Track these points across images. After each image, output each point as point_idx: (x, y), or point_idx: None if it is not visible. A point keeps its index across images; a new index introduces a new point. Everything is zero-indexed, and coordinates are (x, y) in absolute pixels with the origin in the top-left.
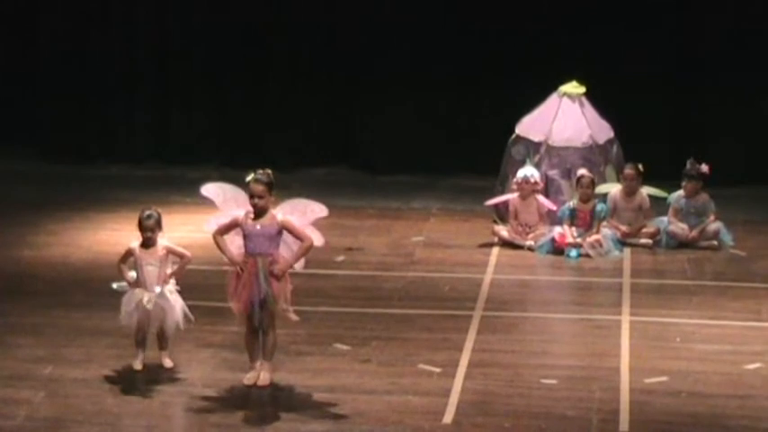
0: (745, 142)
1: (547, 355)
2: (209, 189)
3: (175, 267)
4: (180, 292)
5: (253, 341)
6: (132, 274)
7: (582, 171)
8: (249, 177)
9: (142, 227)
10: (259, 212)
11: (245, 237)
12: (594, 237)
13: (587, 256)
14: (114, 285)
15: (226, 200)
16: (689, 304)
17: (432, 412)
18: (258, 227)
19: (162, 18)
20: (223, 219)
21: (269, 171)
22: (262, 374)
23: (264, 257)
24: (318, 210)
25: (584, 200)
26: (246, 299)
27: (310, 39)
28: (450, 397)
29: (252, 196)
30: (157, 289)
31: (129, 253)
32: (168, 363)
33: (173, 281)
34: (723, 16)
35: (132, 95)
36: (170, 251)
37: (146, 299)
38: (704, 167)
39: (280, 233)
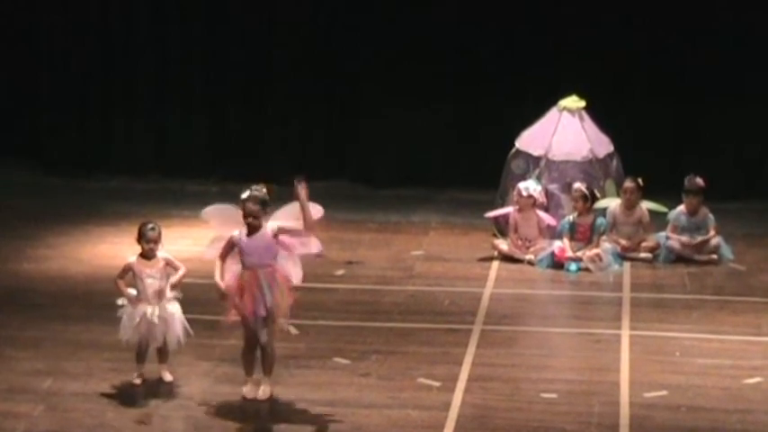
0: (745, 156)
1: (546, 369)
2: (210, 213)
3: (172, 280)
4: (179, 302)
5: (250, 355)
6: (132, 291)
7: (575, 185)
8: (245, 195)
9: (145, 238)
10: (253, 230)
11: (243, 252)
12: (594, 251)
13: (587, 270)
14: (120, 302)
15: (224, 222)
16: (688, 318)
17: (431, 426)
18: (254, 240)
19: (161, 32)
20: (218, 243)
21: (263, 188)
22: (262, 388)
23: (265, 269)
24: (313, 211)
25: (579, 213)
26: (252, 310)
27: (310, 52)
28: (450, 411)
29: (246, 215)
30: (162, 302)
31: (128, 268)
32: (168, 376)
33: (172, 294)
34: (721, 31)
35: (131, 108)
36: (168, 263)
37: (149, 312)
38: (700, 181)
39: (276, 238)
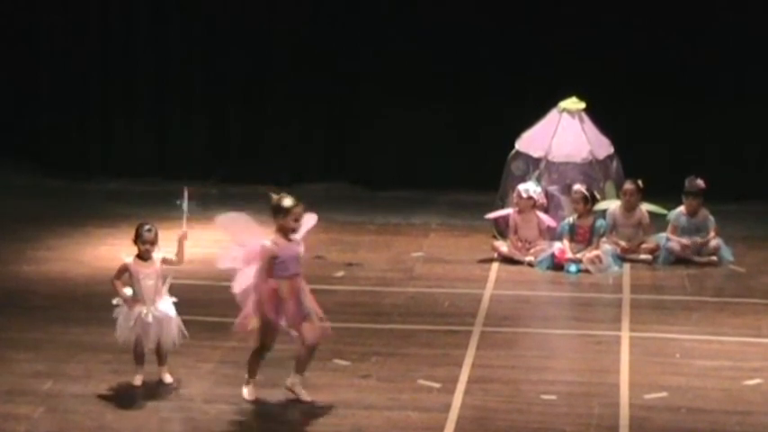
0: (745, 157)
1: (546, 370)
2: (225, 222)
3: (169, 281)
4: (177, 305)
5: (259, 358)
6: (128, 291)
7: (575, 186)
8: (290, 202)
9: (142, 239)
10: (288, 237)
11: (282, 262)
12: (594, 253)
13: (587, 271)
14: (115, 302)
15: (239, 231)
16: (688, 320)
17: (431, 428)
18: (289, 248)
19: (161, 33)
20: (235, 254)
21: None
22: (300, 389)
23: (299, 276)
24: (309, 219)
25: (578, 215)
26: (298, 321)
27: (310, 52)
28: (450, 413)
29: (297, 220)
30: (158, 303)
31: (124, 269)
32: (168, 378)
33: (169, 296)
34: (721, 31)
35: (131, 110)
36: (165, 261)
37: (144, 312)
38: (701, 182)
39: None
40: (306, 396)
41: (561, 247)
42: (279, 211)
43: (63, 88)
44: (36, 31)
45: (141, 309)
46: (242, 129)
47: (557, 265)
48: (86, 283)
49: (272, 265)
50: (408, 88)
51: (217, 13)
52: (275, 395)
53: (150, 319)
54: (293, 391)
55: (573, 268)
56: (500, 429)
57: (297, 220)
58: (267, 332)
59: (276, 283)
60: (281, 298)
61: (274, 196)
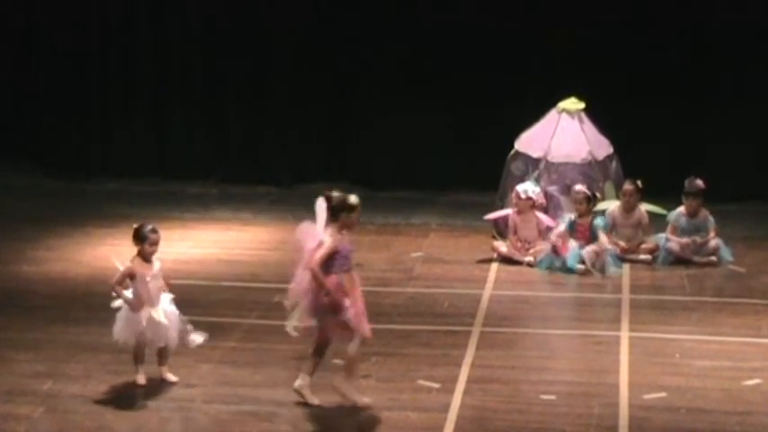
0: (745, 158)
1: (546, 370)
2: (301, 232)
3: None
4: (175, 304)
5: (319, 358)
6: (129, 295)
7: (576, 186)
8: (356, 200)
9: (149, 241)
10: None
11: (344, 257)
12: (593, 247)
13: (587, 272)
14: (116, 304)
15: (306, 239)
16: (688, 320)
17: (431, 428)
18: (349, 245)
19: (161, 35)
20: (306, 252)
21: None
22: (308, 392)
23: (353, 270)
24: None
25: (579, 214)
26: (363, 314)
27: (310, 52)
28: (450, 413)
29: (358, 218)
30: (162, 302)
31: (129, 273)
32: (172, 377)
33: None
34: (721, 31)
35: (131, 110)
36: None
37: (156, 314)
38: (700, 182)
39: None
40: (314, 399)
41: (560, 232)
42: (344, 209)
43: (63, 88)
44: (35, 31)
45: (149, 310)
46: (242, 129)
47: (557, 257)
48: (86, 283)
49: (330, 260)
50: (408, 88)
51: (217, 13)
52: (275, 395)
53: (164, 318)
54: (301, 394)
55: (572, 262)
56: (500, 429)
57: (358, 218)
58: (328, 327)
59: (338, 277)
60: (345, 291)
61: (336, 194)
